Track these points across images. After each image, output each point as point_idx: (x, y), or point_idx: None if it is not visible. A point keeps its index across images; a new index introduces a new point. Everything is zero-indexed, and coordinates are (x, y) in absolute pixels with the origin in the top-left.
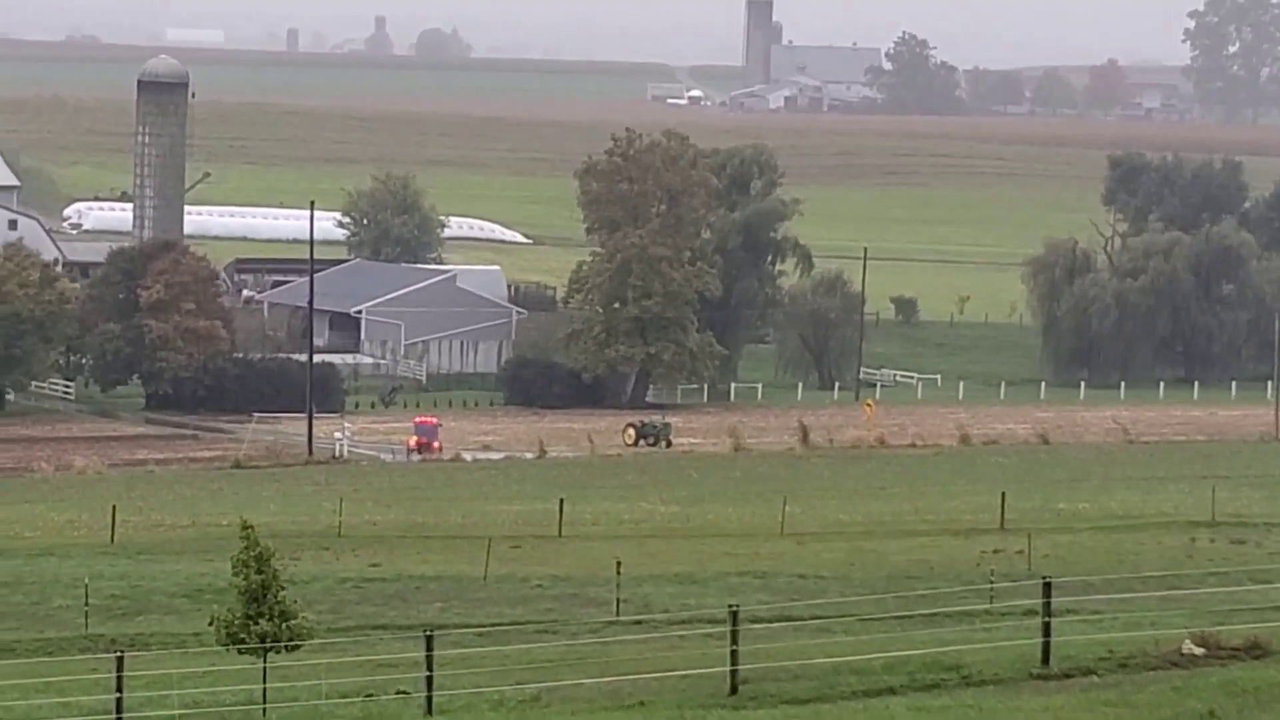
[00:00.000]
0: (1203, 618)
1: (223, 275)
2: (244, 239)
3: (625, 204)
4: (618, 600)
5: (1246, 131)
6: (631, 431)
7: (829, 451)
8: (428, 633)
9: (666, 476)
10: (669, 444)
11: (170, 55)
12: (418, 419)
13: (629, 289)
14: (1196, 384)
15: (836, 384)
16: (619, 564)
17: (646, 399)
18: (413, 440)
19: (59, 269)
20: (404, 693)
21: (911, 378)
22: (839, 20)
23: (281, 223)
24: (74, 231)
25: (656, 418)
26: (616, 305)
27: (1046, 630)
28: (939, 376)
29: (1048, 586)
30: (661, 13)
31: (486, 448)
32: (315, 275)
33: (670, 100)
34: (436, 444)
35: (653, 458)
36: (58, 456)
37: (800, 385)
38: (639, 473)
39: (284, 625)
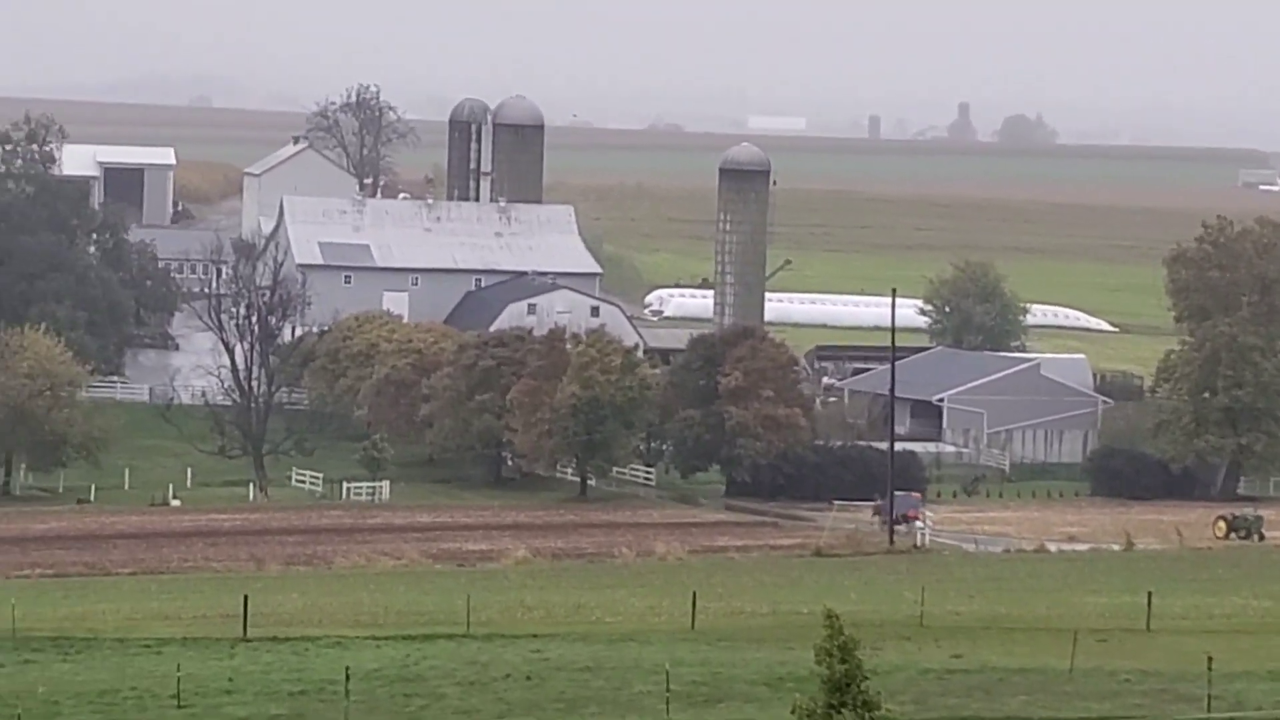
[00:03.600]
0: None
1: (803, 362)
2: (824, 326)
3: (1215, 292)
4: (1209, 697)
5: None
6: (1222, 524)
7: None
8: None
9: (1259, 570)
10: (1261, 537)
11: (752, 143)
12: (902, 493)
13: (1219, 378)
14: None
15: None
16: (1210, 659)
17: (1238, 491)
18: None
19: (640, 355)
20: None
21: None
22: None
23: (863, 310)
24: (655, 318)
25: (1248, 510)
26: (1206, 395)
27: None
28: None
29: None
30: (1254, 97)
31: (1071, 539)
32: (896, 363)
33: (1263, 187)
34: (917, 516)
35: (1244, 551)
36: (639, 542)
37: None
38: (1230, 566)
39: (867, 715)
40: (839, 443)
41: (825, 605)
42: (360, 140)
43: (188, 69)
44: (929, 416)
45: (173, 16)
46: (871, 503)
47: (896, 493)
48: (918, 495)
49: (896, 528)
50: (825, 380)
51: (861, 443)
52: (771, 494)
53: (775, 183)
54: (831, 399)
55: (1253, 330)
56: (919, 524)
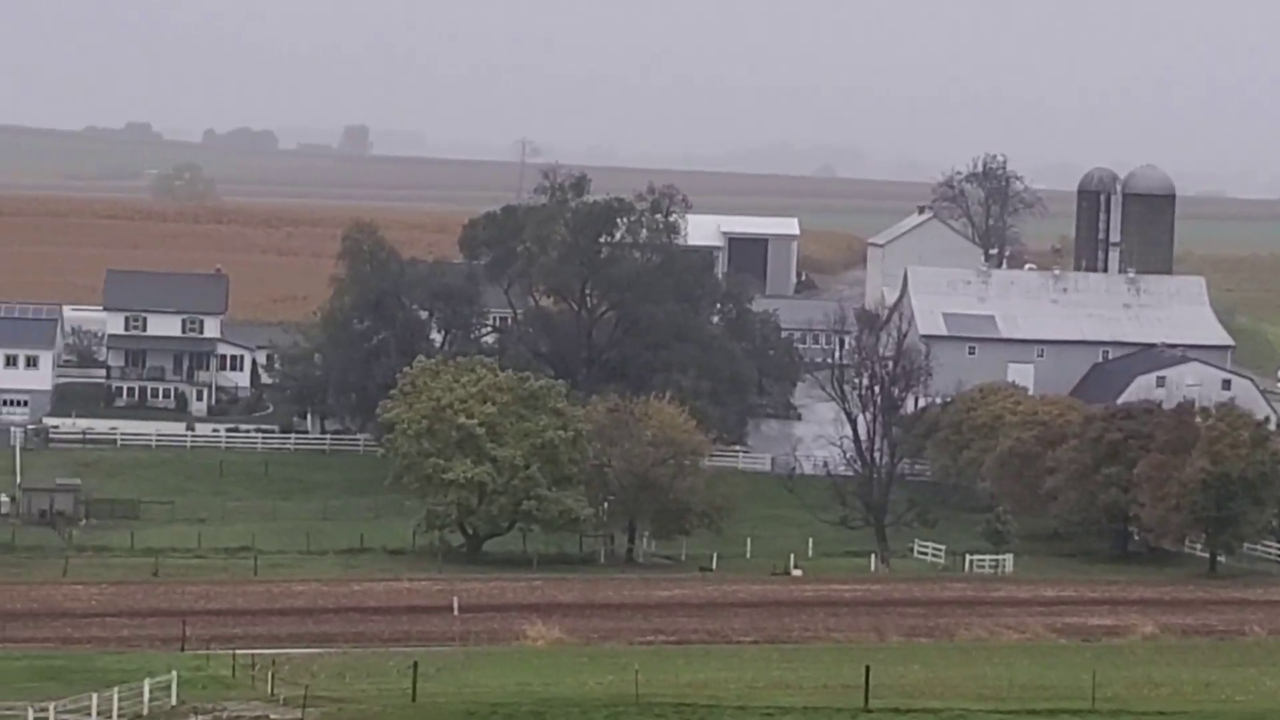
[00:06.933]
0: None
1: None
2: None
3: None
4: None
5: None
6: None
7: None
8: None
9: None
10: None
11: None
12: None
13: None
14: None
15: None
16: None
17: None
18: None
19: (1272, 429)
20: None
21: None
22: None
23: None
24: None
25: None
26: None
27: None
28: None
29: None
30: None
31: None
32: None
33: None
34: None
35: None
36: (1271, 620)
37: None
38: None
39: None
40: None
41: None
42: (986, 210)
43: (812, 139)
44: None
45: (799, 88)
46: None
47: None
48: None
49: None
50: None
51: None
52: None
53: None
54: None
55: None
56: None
